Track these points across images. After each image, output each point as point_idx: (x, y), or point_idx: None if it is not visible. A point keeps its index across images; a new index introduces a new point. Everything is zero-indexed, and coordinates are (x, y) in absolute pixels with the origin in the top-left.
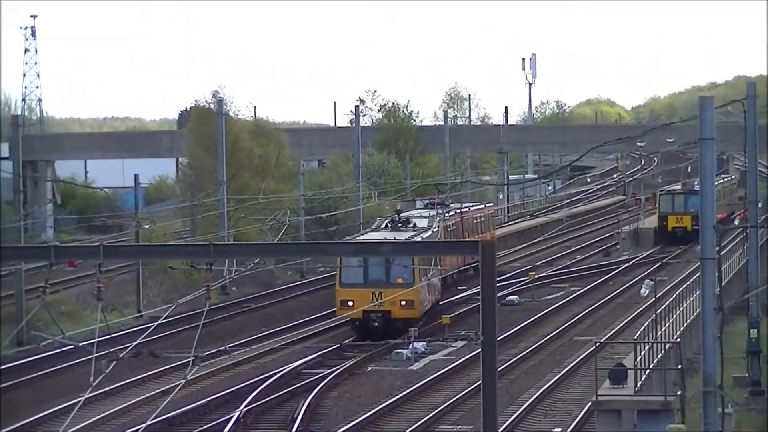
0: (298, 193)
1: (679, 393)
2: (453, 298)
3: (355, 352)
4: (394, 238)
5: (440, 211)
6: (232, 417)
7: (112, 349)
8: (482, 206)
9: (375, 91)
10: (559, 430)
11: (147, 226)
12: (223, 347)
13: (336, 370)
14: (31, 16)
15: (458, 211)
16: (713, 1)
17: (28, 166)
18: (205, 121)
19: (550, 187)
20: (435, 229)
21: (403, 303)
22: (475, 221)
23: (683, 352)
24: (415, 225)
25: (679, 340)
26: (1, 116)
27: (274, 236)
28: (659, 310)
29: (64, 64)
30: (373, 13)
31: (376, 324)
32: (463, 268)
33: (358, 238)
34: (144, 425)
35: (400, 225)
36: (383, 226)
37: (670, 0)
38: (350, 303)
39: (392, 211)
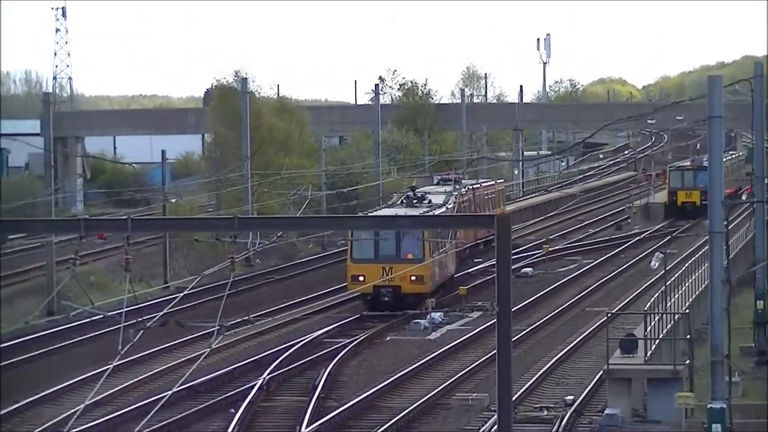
0: (319, 169)
1: (687, 362)
2: (469, 270)
3: (375, 322)
4: (405, 214)
5: (457, 187)
6: (255, 384)
7: (139, 319)
8: (493, 182)
9: (394, 70)
10: (572, 398)
11: (173, 200)
12: (246, 317)
13: (356, 339)
14: None
15: (471, 187)
16: None
17: (59, 142)
18: (227, 100)
19: (563, 163)
20: (450, 206)
21: (413, 278)
22: (486, 197)
23: (692, 322)
24: (430, 201)
25: (687, 311)
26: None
27: (297, 210)
28: (669, 282)
29: (94, 43)
30: None
31: (387, 299)
32: (475, 242)
33: (371, 214)
34: (170, 392)
35: (414, 201)
36: (399, 202)
37: None
38: (361, 278)
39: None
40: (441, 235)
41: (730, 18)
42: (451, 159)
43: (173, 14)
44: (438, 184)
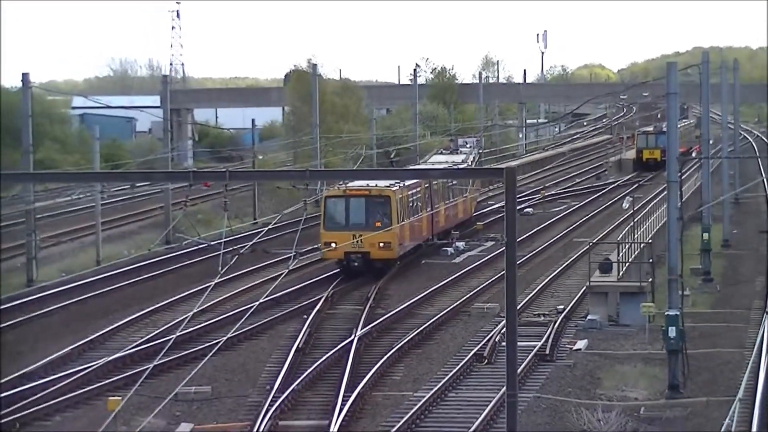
0: (371, 134)
1: (650, 280)
2: (483, 211)
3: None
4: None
5: (477, 147)
6: (322, 296)
7: (234, 247)
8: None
9: (428, 58)
10: (562, 307)
11: (261, 157)
12: (316, 245)
13: (399, 262)
14: (177, 2)
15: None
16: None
17: (174, 112)
18: (301, 82)
19: (556, 129)
20: (471, 160)
21: (381, 245)
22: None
23: (654, 249)
24: None
25: (650, 241)
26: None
27: (354, 165)
28: (636, 218)
29: (201, 36)
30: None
31: (356, 264)
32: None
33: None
34: (258, 302)
35: None
36: None
37: None
38: (333, 244)
39: (441, 146)
40: (420, 198)
41: (684, 16)
42: (471, 125)
43: (260, 10)
44: (440, 153)
